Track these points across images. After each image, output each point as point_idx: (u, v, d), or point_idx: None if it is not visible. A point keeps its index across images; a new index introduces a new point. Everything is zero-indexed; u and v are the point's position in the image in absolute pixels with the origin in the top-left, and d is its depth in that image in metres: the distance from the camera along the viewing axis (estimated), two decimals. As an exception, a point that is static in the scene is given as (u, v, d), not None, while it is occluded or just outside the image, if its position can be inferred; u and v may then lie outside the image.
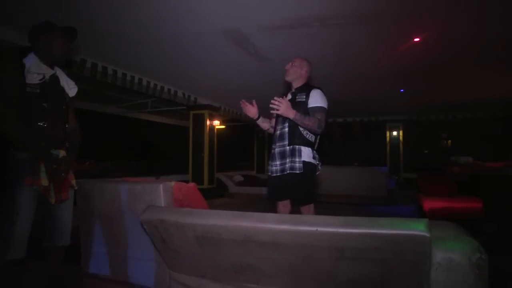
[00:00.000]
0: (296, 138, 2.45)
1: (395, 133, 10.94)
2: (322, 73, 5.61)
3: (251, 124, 11.24)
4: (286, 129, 2.49)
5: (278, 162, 2.51)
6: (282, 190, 2.52)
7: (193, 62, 5.16)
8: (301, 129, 2.44)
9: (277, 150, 2.53)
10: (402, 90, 7.12)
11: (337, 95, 7.31)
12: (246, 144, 12.82)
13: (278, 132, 2.55)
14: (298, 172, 2.40)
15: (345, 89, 6.88)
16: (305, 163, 2.42)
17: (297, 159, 2.42)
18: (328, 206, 6.28)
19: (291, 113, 2.35)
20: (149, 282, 2.21)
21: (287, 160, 2.46)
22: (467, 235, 1.30)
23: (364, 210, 5.76)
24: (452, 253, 1.20)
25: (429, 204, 4.36)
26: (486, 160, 5.60)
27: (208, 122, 7.85)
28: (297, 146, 2.44)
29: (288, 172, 2.44)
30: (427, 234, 1.12)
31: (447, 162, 6.21)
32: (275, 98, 2.34)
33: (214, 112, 8.09)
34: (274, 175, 2.53)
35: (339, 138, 13.25)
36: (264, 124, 2.76)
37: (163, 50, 4.63)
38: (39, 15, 2.42)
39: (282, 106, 2.33)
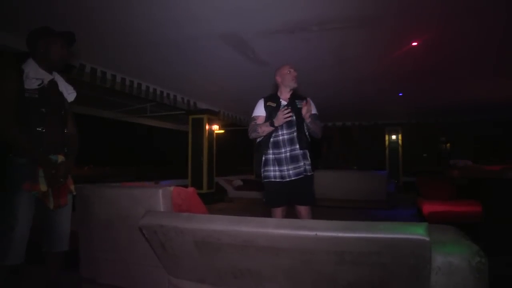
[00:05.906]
0: (304, 143, 2.58)
1: (394, 137, 10.95)
2: (321, 77, 5.63)
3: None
4: (295, 134, 2.57)
5: (291, 166, 2.54)
6: (293, 194, 2.56)
7: (192, 67, 5.17)
8: (306, 133, 2.60)
9: (288, 154, 2.55)
10: (401, 94, 7.14)
11: (336, 99, 7.33)
12: (245, 149, 12.83)
13: (286, 136, 2.57)
14: (309, 174, 2.58)
15: (344, 93, 6.90)
16: (311, 165, 2.61)
17: (308, 162, 2.59)
18: (327, 210, 6.27)
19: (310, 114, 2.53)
20: (148, 288, 2.20)
21: (301, 163, 2.55)
22: (466, 239, 1.30)
23: (364, 214, 5.74)
24: (452, 257, 1.20)
25: (428, 207, 4.36)
26: (485, 163, 5.60)
27: (207, 127, 7.85)
28: (306, 150, 2.60)
29: (304, 175, 2.55)
30: (427, 238, 1.12)
31: (446, 166, 6.22)
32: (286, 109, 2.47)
33: (213, 116, 8.09)
34: (287, 179, 2.52)
35: (338, 142, 13.28)
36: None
37: (162, 55, 4.64)
38: (38, 20, 2.42)
39: (304, 109, 2.46)
